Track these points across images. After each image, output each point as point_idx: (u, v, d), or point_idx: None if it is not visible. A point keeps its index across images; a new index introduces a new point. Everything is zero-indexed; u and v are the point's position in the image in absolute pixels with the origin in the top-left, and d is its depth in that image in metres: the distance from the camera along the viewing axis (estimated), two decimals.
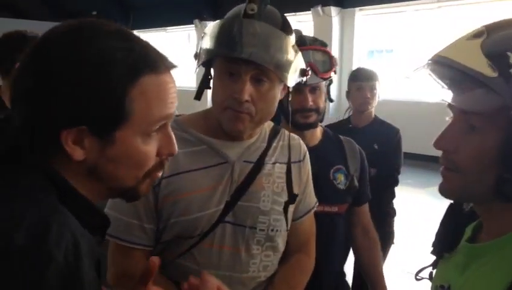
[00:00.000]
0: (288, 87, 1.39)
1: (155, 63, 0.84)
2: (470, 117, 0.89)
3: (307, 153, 1.55)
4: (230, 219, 1.35)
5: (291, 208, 1.46)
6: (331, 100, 2.02)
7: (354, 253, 2.18)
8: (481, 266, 0.93)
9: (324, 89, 1.94)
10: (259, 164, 1.40)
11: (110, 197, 0.92)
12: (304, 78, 1.39)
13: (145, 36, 9.53)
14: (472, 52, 0.87)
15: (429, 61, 0.94)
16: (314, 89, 1.89)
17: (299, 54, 1.35)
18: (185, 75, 13.10)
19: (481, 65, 0.85)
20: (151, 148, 0.87)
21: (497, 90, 0.83)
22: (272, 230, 1.40)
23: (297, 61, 1.34)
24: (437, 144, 0.94)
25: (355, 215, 2.09)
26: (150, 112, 0.84)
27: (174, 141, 0.92)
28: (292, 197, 1.44)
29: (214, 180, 1.35)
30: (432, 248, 1.10)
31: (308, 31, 9.75)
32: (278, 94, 1.35)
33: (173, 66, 0.89)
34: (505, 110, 0.84)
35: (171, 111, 0.88)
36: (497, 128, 0.86)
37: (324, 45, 1.95)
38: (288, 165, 1.46)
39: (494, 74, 0.84)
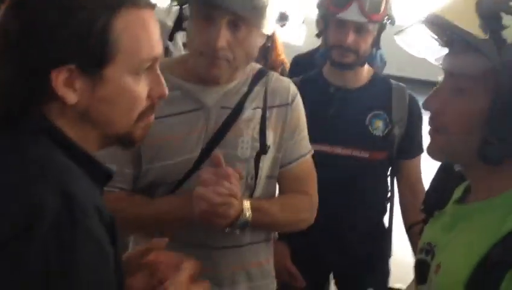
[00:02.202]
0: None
1: None
2: (458, 79, 0.89)
3: (298, 96, 1.46)
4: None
5: (264, 158, 1.38)
6: (378, 47, 1.89)
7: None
8: (465, 228, 0.95)
9: (373, 32, 1.81)
10: (237, 110, 1.35)
11: (107, 145, 0.92)
12: (282, 23, 1.36)
13: None
14: (466, 11, 0.85)
15: (423, 19, 0.92)
16: (360, 28, 1.77)
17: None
18: None
19: (473, 26, 0.84)
20: (141, 88, 0.87)
21: (487, 54, 0.82)
22: (251, 178, 1.37)
23: (275, 5, 1.28)
24: (426, 105, 0.95)
25: (401, 170, 1.95)
26: (137, 49, 0.84)
27: (164, 82, 0.91)
28: (263, 148, 1.37)
29: (188, 127, 1.32)
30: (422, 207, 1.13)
31: None
32: (258, 39, 1.30)
33: (153, 4, 0.89)
34: (493, 74, 0.83)
35: (157, 51, 0.88)
36: (485, 92, 0.85)
37: None
38: (264, 110, 1.39)
39: (485, 36, 0.82)
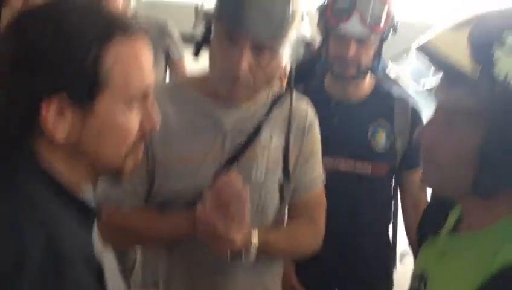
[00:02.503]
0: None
1: (126, 26, 0.84)
2: (450, 113, 0.87)
3: (315, 120, 1.43)
4: None
5: (287, 187, 1.37)
6: (379, 58, 1.85)
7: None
8: (457, 258, 0.93)
9: (375, 43, 1.77)
10: (254, 134, 1.33)
11: (97, 177, 0.92)
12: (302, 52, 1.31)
13: None
14: (458, 44, 0.83)
15: (417, 48, 0.90)
16: (361, 40, 1.73)
17: (306, 24, 1.25)
18: None
19: (465, 60, 0.81)
20: (132, 121, 0.86)
21: (478, 90, 0.80)
22: (264, 205, 1.34)
23: (301, 34, 1.25)
24: (419, 136, 0.94)
25: (403, 181, 1.92)
26: (128, 81, 0.84)
27: (156, 115, 0.90)
28: (287, 176, 1.36)
29: (204, 148, 1.30)
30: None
31: None
32: (280, 62, 1.27)
33: (145, 31, 0.88)
34: (485, 111, 0.81)
35: (149, 81, 0.87)
36: (476, 127, 0.83)
37: None
38: (287, 138, 1.36)
39: (477, 72, 0.80)
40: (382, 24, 1.72)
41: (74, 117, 0.81)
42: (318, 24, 1.88)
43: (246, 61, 1.19)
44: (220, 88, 1.27)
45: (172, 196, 1.31)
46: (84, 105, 0.81)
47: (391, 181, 1.93)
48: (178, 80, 1.37)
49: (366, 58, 1.77)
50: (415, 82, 6.23)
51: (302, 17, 1.24)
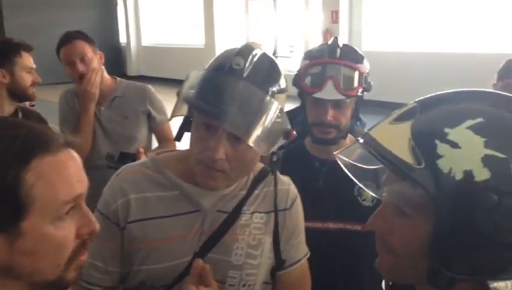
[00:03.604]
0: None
1: (47, 143, 0.82)
2: (399, 204, 0.85)
3: (297, 198, 1.41)
4: None
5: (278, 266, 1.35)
6: (358, 119, 1.87)
7: None
8: None
9: (351, 105, 1.80)
10: (234, 214, 1.31)
11: None
12: (284, 141, 1.26)
13: None
14: (400, 137, 0.82)
15: (360, 139, 0.90)
16: (337, 104, 1.76)
17: (284, 116, 1.21)
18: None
19: (407, 154, 0.80)
20: (66, 232, 0.83)
21: (423, 184, 0.78)
22: (244, 285, 1.31)
23: (280, 125, 1.21)
24: (371, 224, 0.91)
25: None
26: (54, 195, 0.81)
27: (93, 218, 0.88)
28: (279, 263, 1.34)
29: (183, 230, 1.28)
30: None
31: None
32: (257, 153, 1.26)
33: (71, 143, 0.87)
34: (432, 202, 0.78)
35: (79, 191, 0.85)
36: (426, 218, 0.80)
37: (356, 59, 1.80)
38: (276, 217, 1.34)
39: (420, 166, 0.78)
40: (355, 87, 1.76)
41: (1, 243, 0.77)
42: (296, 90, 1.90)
43: (223, 148, 1.19)
44: (198, 175, 1.26)
45: (151, 277, 1.28)
46: (8, 230, 0.77)
47: None
48: (159, 159, 1.36)
49: (345, 120, 1.79)
50: None
51: (281, 110, 1.21)
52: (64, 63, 2.67)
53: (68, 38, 2.66)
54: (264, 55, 1.24)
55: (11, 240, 0.78)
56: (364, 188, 0.94)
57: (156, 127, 2.83)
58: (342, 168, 1.69)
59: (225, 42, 12.55)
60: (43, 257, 0.81)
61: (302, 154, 1.90)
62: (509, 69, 2.63)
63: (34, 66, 2.63)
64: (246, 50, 1.22)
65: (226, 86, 1.17)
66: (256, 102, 1.18)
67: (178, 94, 1.25)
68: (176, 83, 3.07)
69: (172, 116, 1.28)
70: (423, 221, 0.81)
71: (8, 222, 0.78)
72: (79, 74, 2.64)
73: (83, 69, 2.63)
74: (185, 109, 1.26)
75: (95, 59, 2.68)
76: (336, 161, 1.77)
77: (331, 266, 1.69)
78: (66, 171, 0.83)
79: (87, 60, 2.63)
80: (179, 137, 1.32)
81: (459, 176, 0.76)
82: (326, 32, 10.41)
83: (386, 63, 8.77)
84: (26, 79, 2.59)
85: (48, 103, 3.16)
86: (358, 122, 1.90)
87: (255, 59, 1.21)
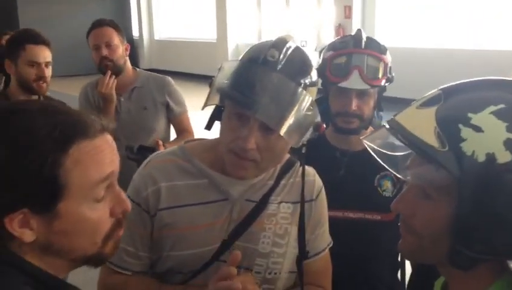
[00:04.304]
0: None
1: (85, 129, 0.85)
2: (423, 186, 0.88)
3: (322, 189, 1.44)
4: (225, 259, 1.29)
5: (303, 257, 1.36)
6: (380, 109, 1.91)
7: None
8: None
9: (374, 96, 1.83)
10: (262, 203, 1.33)
11: (77, 267, 0.92)
12: (316, 133, 1.28)
13: None
14: (425, 121, 0.86)
15: (385, 126, 0.93)
16: (361, 93, 1.79)
17: (315, 108, 1.24)
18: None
19: (432, 138, 0.83)
20: (101, 212, 0.87)
21: (447, 166, 0.81)
22: (270, 273, 1.33)
23: (311, 117, 1.23)
24: (395, 208, 0.94)
25: None
26: (87, 178, 0.84)
27: (125, 197, 0.92)
28: (303, 253, 1.35)
29: (212, 217, 1.31)
30: None
31: None
32: (288, 143, 1.27)
33: (107, 128, 0.89)
34: (455, 185, 0.82)
35: (110, 170, 0.88)
36: (450, 200, 0.84)
37: (380, 50, 1.83)
38: (302, 208, 1.34)
39: (444, 149, 0.82)
40: (380, 77, 1.80)
41: (39, 224, 0.82)
42: (320, 81, 1.89)
43: (255, 139, 1.20)
44: (228, 164, 1.28)
45: (179, 263, 1.31)
46: (47, 212, 0.81)
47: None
48: (188, 147, 1.37)
49: (368, 110, 1.82)
50: None
51: (312, 102, 1.23)
52: (92, 47, 2.73)
53: (99, 23, 2.73)
54: (297, 48, 1.26)
55: (49, 221, 0.82)
56: (390, 170, 0.97)
57: (174, 118, 2.87)
58: (362, 159, 1.75)
59: (237, 37, 12.60)
60: (80, 236, 0.86)
61: (323, 144, 1.92)
62: None
63: (41, 60, 2.60)
64: (280, 43, 1.24)
65: (259, 77, 1.18)
66: (289, 94, 1.20)
67: (211, 84, 1.27)
68: (188, 76, 3.08)
69: (205, 105, 1.30)
70: (446, 203, 0.84)
71: (46, 204, 0.81)
72: (100, 56, 2.69)
73: (107, 53, 2.68)
74: (217, 98, 1.28)
75: (121, 48, 2.73)
76: (356, 152, 1.86)
77: (349, 255, 1.72)
78: (101, 154, 0.86)
79: (113, 46, 2.69)
80: (209, 126, 1.34)
81: (481, 158, 0.79)
82: (339, 28, 10.43)
83: (399, 58, 8.72)
84: (28, 72, 2.58)
85: (62, 95, 3.20)
86: (376, 116, 1.91)
87: (289, 52, 1.23)
